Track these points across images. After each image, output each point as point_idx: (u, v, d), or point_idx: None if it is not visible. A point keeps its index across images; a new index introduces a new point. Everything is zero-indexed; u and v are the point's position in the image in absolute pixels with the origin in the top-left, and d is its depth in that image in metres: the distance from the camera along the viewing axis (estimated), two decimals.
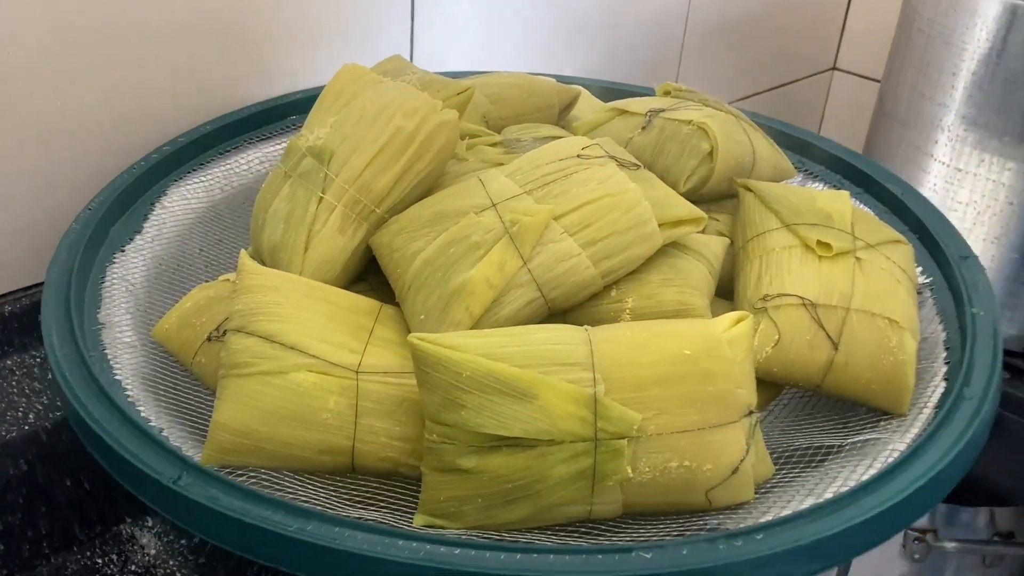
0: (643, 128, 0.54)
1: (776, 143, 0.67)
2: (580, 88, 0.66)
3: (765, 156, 0.57)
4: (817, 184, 0.66)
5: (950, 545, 1.01)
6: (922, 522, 1.04)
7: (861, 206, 0.62)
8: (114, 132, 0.63)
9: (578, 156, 0.46)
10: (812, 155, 0.67)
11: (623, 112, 0.56)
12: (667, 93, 0.59)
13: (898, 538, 1.05)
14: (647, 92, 0.71)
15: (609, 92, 0.73)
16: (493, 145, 0.55)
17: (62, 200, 0.61)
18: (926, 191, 0.92)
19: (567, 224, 0.44)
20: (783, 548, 0.35)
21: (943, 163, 0.89)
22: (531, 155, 0.47)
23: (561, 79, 0.74)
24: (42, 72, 0.58)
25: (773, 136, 0.67)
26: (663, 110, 0.55)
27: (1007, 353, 0.92)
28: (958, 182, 0.88)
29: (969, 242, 0.89)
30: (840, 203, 0.51)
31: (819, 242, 0.47)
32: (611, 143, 0.50)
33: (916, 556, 1.04)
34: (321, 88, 0.69)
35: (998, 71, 0.83)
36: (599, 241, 0.44)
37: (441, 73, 0.77)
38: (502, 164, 0.51)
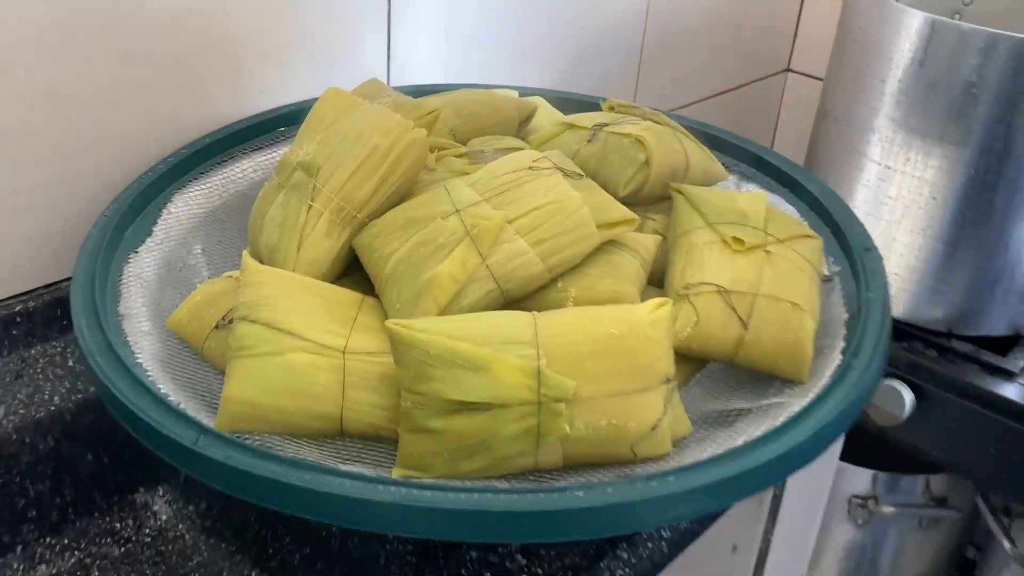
0: (589, 140, 0.62)
1: (717, 147, 0.76)
2: (538, 102, 0.74)
3: (697, 162, 0.66)
4: (751, 185, 0.74)
5: (888, 510, 1.11)
6: (864, 489, 1.13)
7: (785, 204, 0.70)
8: (123, 147, 0.70)
9: (529, 168, 0.54)
10: (747, 159, 0.76)
11: (572, 126, 0.64)
12: (612, 108, 0.67)
13: (843, 505, 1.15)
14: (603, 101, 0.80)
15: (568, 102, 0.81)
16: (459, 156, 0.63)
17: (78, 208, 0.69)
18: (861, 187, 1.01)
19: (519, 227, 0.52)
20: (690, 487, 0.44)
21: (875, 161, 0.98)
22: (490, 167, 0.55)
23: (526, 91, 0.82)
24: (59, 97, 0.65)
25: (713, 142, 0.76)
26: (607, 124, 0.63)
27: (935, 334, 1.01)
28: (888, 179, 0.98)
29: (898, 233, 0.99)
30: (756, 204, 0.59)
31: (734, 238, 0.56)
32: (559, 155, 0.58)
33: (859, 521, 1.14)
34: (306, 101, 0.78)
35: (920, 78, 0.92)
36: (546, 241, 0.52)
37: (416, 85, 0.85)
38: (467, 173, 0.59)
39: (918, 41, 0.91)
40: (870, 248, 0.62)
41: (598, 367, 0.46)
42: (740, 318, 0.53)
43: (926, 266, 0.98)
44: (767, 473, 0.46)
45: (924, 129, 0.93)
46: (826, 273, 0.63)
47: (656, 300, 0.49)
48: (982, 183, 0.92)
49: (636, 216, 0.55)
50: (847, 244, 0.63)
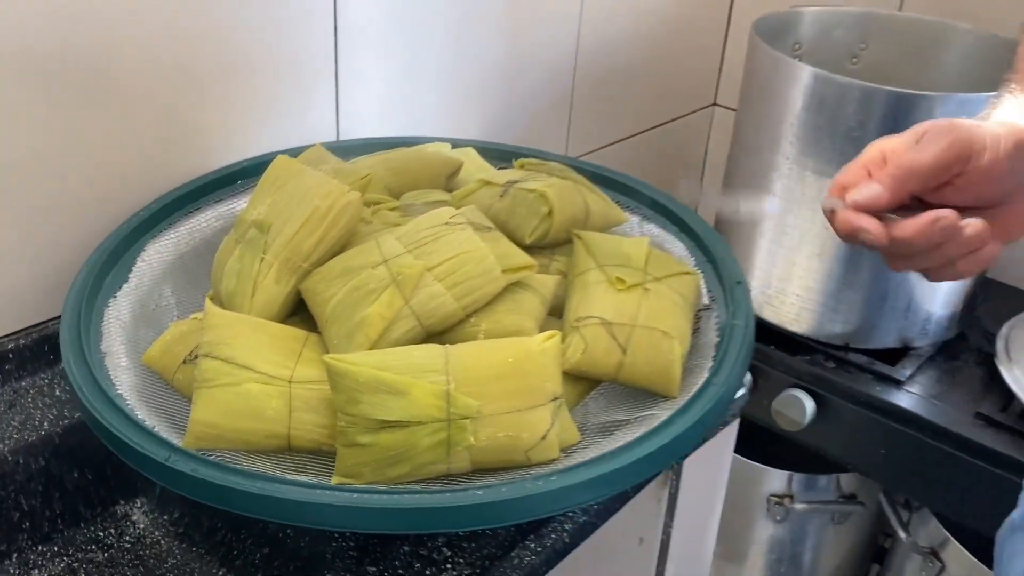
0: (501, 195, 0.73)
1: (625, 192, 0.87)
2: (468, 154, 0.85)
3: (597, 211, 0.77)
4: (651, 225, 0.85)
5: (801, 507, 1.22)
6: (781, 489, 1.25)
7: (677, 242, 0.82)
8: (103, 200, 0.79)
9: (446, 223, 0.65)
10: (646, 202, 0.87)
11: (488, 183, 0.75)
12: (522, 166, 0.78)
13: (763, 504, 1.26)
14: (528, 151, 0.91)
15: (496, 151, 0.92)
16: (392, 209, 0.74)
17: (64, 255, 0.78)
18: (763, 217, 1.12)
19: (437, 273, 0.63)
20: (569, 483, 0.54)
21: (776, 195, 1.10)
22: (414, 223, 0.66)
23: (459, 143, 0.93)
24: (48, 159, 0.74)
25: (621, 188, 0.87)
26: (517, 181, 0.74)
27: (834, 347, 1.13)
28: (788, 210, 1.09)
29: (798, 259, 1.11)
30: (639, 248, 0.70)
31: (617, 278, 0.67)
32: (474, 210, 0.69)
33: (778, 518, 1.25)
34: (263, 155, 0.88)
35: (809, 123, 1.04)
36: (459, 284, 0.63)
37: (362, 139, 0.95)
38: (399, 224, 0.70)
39: (807, 91, 1.03)
40: (740, 281, 0.73)
41: (497, 389, 0.57)
42: (620, 345, 0.64)
43: (824, 287, 1.10)
44: (633, 472, 0.57)
45: (815, 167, 1.05)
46: (706, 302, 0.75)
47: (546, 333, 0.60)
48: None
49: (535, 262, 0.66)
50: (722, 278, 0.75)
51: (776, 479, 1.24)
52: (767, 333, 1.15)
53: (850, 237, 0.56)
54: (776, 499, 1.23)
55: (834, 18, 1.23)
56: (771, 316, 1.15)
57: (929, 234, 0.54)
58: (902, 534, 1.17)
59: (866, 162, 0.57)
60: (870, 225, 0.54)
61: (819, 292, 1.10)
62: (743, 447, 1.28)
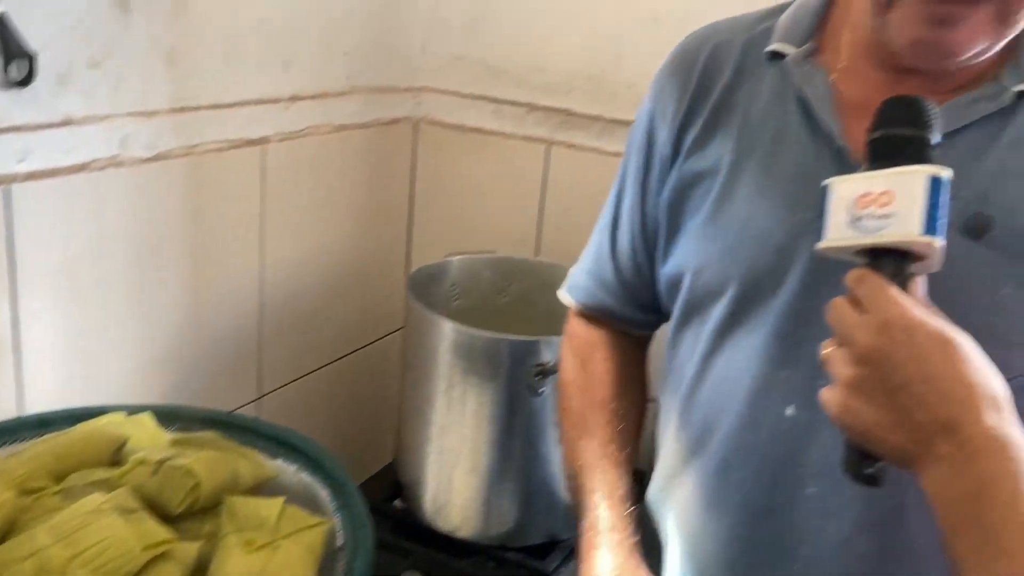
0: (154, 473, 0.86)
1: (282, 444, 1.02)
2: (131, 431, 0.97)
3: (247, 473, 0.91)
4: (304, 472, 1.01)
5: None
6: None
7: (323, 489, 0.97)
8: None
9: (94, 511, 0.77)
10: (304, 452, 1.02)
11: (142, 462, 0.88)
12: (176, 443, 0.92)
13: None
14: (197, 412, 1.05)
15: (177, 413, 1.05)
16: (56, 493, 0.84)
17: None
18: (428, 442, 1.32)
19: (83, 559, 0.74)
20: None
21: (433, 422, 1.30)
22: (65, 513, 0.78)
23: (137, 408, 1.04)
24: None
25: (281, 443, 1.02)
26: (170, 458, 0.87)
27: (493, 548, 1.31)
28: (444, 434, 1.29)
29: (455, 474, 1.30)
30: (272, 508, 0.85)
31: (248, 540, 0.81)
32: (123, 493, 0.81)
33: None
34: None
35: (451, 362, 1.26)
36: (103, 566, 0.74)
37: (40, 412, 1.05)
38: (59, 508, 0.80)
39: (448, 339, 1.26)
40: (364, 526, 0.90)
41: None
42: None
43: (479, 496, 1.29)
44: None
45: (461, 397, 1.26)
46: (340, 544, 0.90)
47: None
48: (504, 436, 1.26)
49: (173, 536, 0.79)
50: (352, 522, 0.91)
51: None
52: (440, 541, 1.32)
53: None
54: None
55: (479, 264, 1.49)
56: (443, 525, 1.33)
57: None
58: None
59: None
60: None
61: (476, 501, 1.29)
62: None
